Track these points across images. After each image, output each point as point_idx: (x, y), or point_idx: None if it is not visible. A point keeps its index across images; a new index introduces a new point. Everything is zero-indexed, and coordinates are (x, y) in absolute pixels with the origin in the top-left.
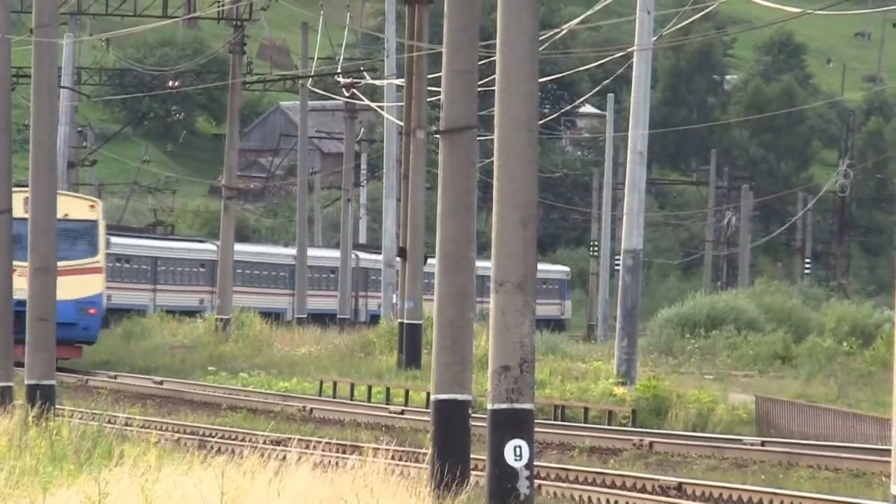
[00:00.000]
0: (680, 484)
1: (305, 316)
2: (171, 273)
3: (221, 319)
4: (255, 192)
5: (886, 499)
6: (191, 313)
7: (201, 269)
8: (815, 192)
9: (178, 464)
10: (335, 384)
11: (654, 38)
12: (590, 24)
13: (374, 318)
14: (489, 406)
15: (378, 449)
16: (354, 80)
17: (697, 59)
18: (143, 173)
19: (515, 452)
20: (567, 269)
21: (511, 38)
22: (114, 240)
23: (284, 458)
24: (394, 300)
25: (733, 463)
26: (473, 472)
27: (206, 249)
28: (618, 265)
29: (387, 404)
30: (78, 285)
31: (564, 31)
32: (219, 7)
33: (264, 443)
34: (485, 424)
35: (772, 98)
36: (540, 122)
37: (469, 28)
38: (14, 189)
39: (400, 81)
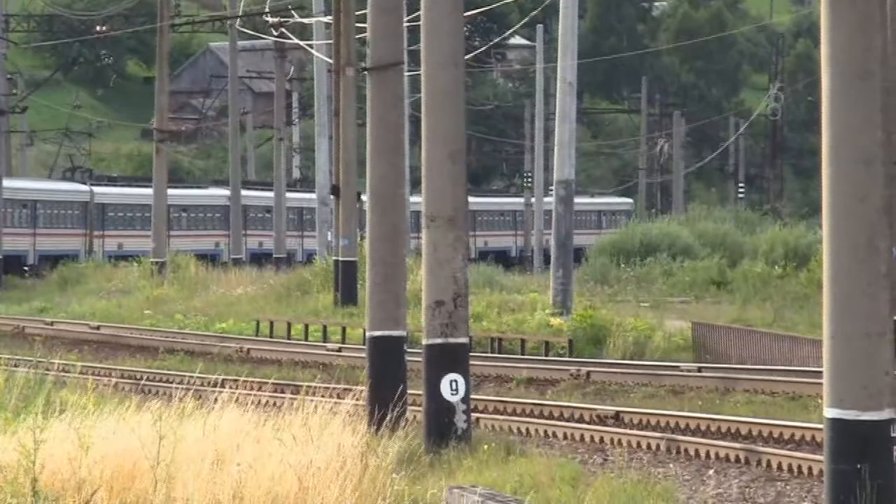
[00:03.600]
0: (617, 412)
1: (242, 257)
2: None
3: (156, 262)
4: (188, 133)
5: (822, 421)
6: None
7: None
8: (746, 117)
9: (115, 409)
10: (272, 324)
11: None
12: None
13: (310, 258)
14: (424, 341)
15: (315, 387)
16: (283, 19)
17: None
18: (74, 119)
19: (451, 387)
20: (630, 200)
21: None
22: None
23: (223, 399)
24: (329, 238)
25: (670, 390)
26: (411, 408)
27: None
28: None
29: (324, 342)
30: None
31: None
32: None
33: (202, 385)
34: (421, 360)
35: (701, 24)
36: (469, 55)
37: None
38: None
39: (328, 19)
